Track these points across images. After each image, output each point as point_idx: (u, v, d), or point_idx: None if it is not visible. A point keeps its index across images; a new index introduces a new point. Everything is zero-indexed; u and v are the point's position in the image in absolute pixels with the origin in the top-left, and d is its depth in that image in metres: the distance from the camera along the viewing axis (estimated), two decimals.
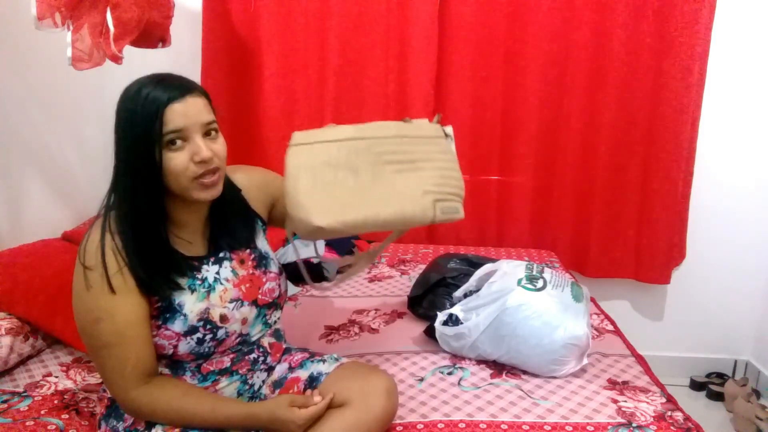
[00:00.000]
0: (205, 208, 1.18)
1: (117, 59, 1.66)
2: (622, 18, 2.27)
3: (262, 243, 1.28)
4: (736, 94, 2.41)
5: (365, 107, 2.45)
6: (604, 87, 2.35)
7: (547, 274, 1.57)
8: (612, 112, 2.36)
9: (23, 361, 1.51)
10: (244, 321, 1.18)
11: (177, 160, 1.04)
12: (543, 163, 2.48)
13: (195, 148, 1.05)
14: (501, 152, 2.49)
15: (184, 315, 1.09)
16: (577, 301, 1.51)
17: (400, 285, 2.11)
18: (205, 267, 1.15)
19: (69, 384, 1.43)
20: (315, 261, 2.10)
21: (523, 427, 1.24)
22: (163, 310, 1.09)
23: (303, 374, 1.26)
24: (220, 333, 1.13)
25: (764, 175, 2.48)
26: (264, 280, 1.23)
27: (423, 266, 2.29)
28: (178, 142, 1.04)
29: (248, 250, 1.23)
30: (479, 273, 1.69)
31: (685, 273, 2.57)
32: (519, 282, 1.52)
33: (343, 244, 2.29)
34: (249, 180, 1.29)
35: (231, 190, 1.22)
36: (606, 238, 2.48)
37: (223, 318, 1.13)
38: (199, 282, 1.13)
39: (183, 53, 2.36)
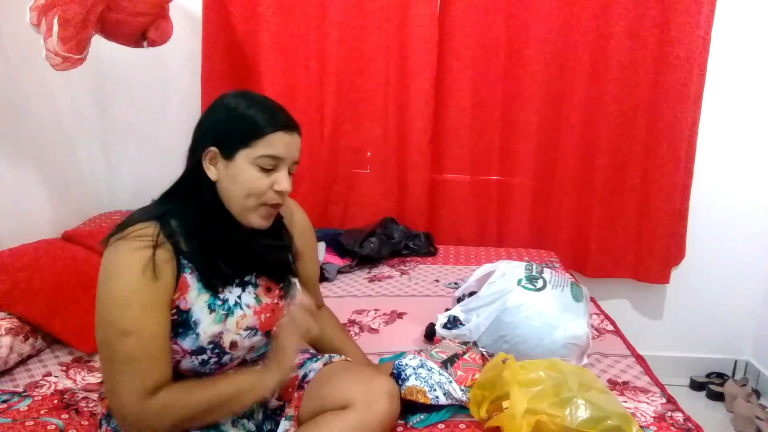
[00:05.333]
0: (245, 230, 1.15)
1: (68, 59, 1.64)
2: (621, 18, 2.27)
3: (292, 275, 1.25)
4: (736, 95, 2.41)
5: (365, 107, 2.45)
6: (604, 87, 2.35)
7: (547, 274, 1.57)
8: (612, 112, 2.36)
9: (23, 361, 1.51)
10: (251, 349, 1.16)
11: (260, 182, 1.07)
12: (543, 163, 2.48)
13: (279, 178, 1.08)
14: (501, 152, 2.50)
15: (197, 334, 1.07)
16: (577, 301, 1.51)
17: (400, 285, 2.11)
18: (228, 287, 1.12)
19: (69, 384, 1.42)
20: None
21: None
22: (176, 324, 1.06)
23: (301, 372, 1.26)
24: (225, 358, 1.11)
25: (764, 175, 2.48)
26: (285, 312, 1.19)
27: (422, 267, 2.30)
28: (269, 167, 1.07)
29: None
30: (478, 273, 1.69)
31: (685, 273, 2.57)
32: (519, 282, 1.52)
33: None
34: (296, 215, 1.31)
35: (276, 224, 1.20)
36: (606, 238, 2.48)
37: (233, 345, 1.11)
38: (219, 303, 1.10)
39: (183, 53, 2.36)
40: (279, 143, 1.07)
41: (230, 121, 1.07)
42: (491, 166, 2.52)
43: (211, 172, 1.08)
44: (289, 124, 1.09)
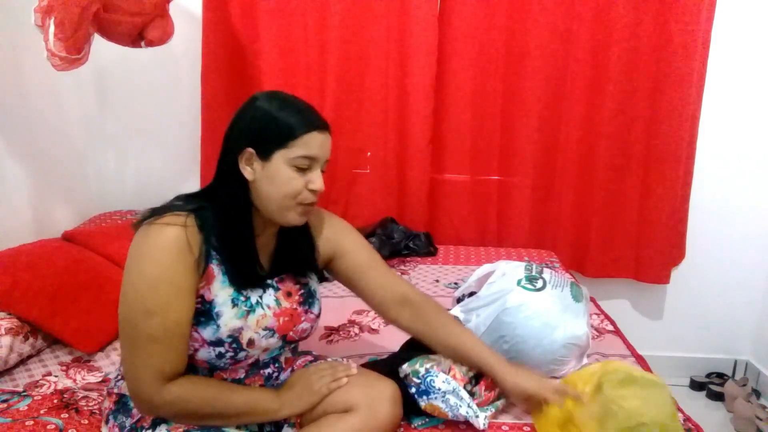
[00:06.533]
0: (274, 232, 1.21)
1: (65, 59, 1.65)
2: (621, 18, 2.27)
3: (312, 283, 1.27)
4: (736, 94, 2.41)
5: (365, 107, 2.45)
6: (604, 87, 2.35)
7: (547, 274, 1.56)
8: (612, 112, 2.36)
9: (23, 361, 1.51)
10: (265, 350, 1.17)
11: (296, 182, 1.09)
12: (543, 163, 2.48)
13: (314, 177, 1.12)
14: (501, 152, 2.50)
15: (218, 325, 1.09)
16: (576, 301, 1.51)
17: None
18: (252, 289, 1.16)
19: (69, 383, 1.43)
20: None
21: (524, 428, 1.24)
22: (199, 313, 1.08)
23: None
24: (241, 354, 1.13)
25: (764, 175, 2.48)
26: (303, 318, 1.22)
27: (422, 267, 2.30)
28: (304, 167, 1.10)
29: (298, 285, 1.23)
30: (478, 273, 1.69)
31: (685, 273, 2.57)
32: (518, 282, 1.51)
33: None
34: (321, 223, 1.31)
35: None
36: (606, 238, 2.48)
37: (251, 342, 1.12)
38: (242, 299, 1.12)
39: (183, 53, 2.37)
40: (314, 143, 1.10)
41: (266, 122, 1.09)
42: (491, 166, 2.52)
43: (247, 172, 1.10)
44: (322, 124, 1.12)
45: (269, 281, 1.18)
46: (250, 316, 1.12)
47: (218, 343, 1.09)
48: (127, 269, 1.05)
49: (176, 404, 1.06)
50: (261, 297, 1.15)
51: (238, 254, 1.11)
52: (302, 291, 1.23)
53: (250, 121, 1.10)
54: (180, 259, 1.04)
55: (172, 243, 1.03)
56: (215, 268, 1.09)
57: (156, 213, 1.07)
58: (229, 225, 1.10)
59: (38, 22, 1.61)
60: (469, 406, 1.19)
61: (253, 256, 1.15)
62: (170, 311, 1.03)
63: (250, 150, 1.08)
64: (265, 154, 1.08)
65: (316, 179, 1.12)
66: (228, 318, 1.09)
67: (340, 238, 1.31)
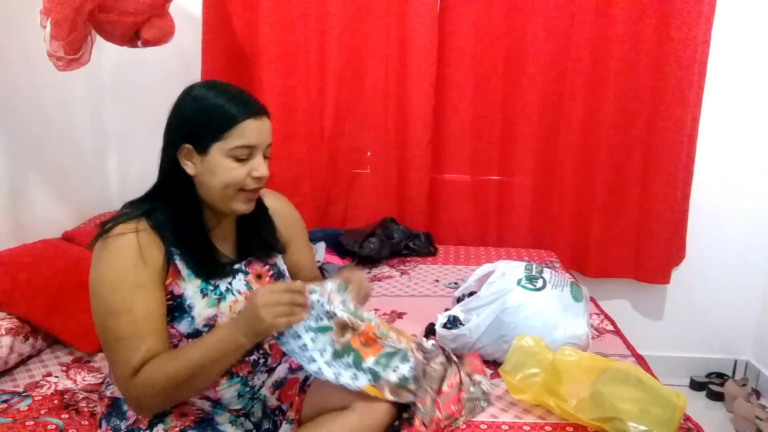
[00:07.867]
0: (232, 220, 1.21)
1: (63, 59, 1.65)
2: (621, 18, 2.27)
3: (280, 262, 1.28)
4: (736, 94, 2.41)
5: (365, 107, 2.45)
6: (604, 87, 2.35)
7: (547, 274, 1.57)
8: (612, 112, 2.36)
9: (23, 361, 1.51)
10: None
11: (237, 172, 1.08)
12: (543, 162, 2.48)
13: (256, 164, 1.10)
14: (501, 152, 2.50)
15: (192, 317, 1.10)
16: (576, 301, 1.52)
17: (400, 285, 2.11)
18: (219, 279, 1.16)
19: (69, 384, 1.43)
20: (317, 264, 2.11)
21: (524, 428, 1.24)
22: (172, 309, 1.09)
23: (302, 375, 1.25)
24: None
25: (764, 175, 2.48)
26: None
27: (423, 267, 2.30)
28: (244, 157, 1.08)
29: (267, 266, 1.24)
30: (478, 273, 1.69)
31: (685, 273, 2.57)
32: (518, 282, 1.52)
33: None
34: (279, 207, 1.32)
35: (259, 206, 1.23)
36: (606, 238, 2.48)
37: None
38: (211, 288, 1.13)
39: (183, 53, 2.36)
40: (250, 131, 1.08)
41: (199, 115, 1.08)
42: (491, 166, 2.52)
43: (189, 168, 1.10)
44: (256, 110, 1.09)
45: (237, 266, 1.19)
46: (222, 303, 1.13)
47: (196, 334, 1.10)
48: (90, 278, 1.06)
49: (149, 387, 1.02)
50: (231, 283, 1.16)
51: (195, 248, 1.12)
52: (272, 272, 1.24)
53: (182, 116, 1.10)
54: (136, 261, 1.04)
55: (126, 249, 1.04)
56: (179, 263, 1.10)
57: (106, 227, 1.07)
58: (180, 221, 1.10)
59: (43, 24, 1.61)
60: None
61: (209, 248, 1.15)
62: (135, 307, 1.03)
63: (188, 146, 1.08)
64: (202, 149, 1.07)
65: (259, 166, 1.10)
66: (201, 308, 1.10)
67: (291, 231, 1.32)
